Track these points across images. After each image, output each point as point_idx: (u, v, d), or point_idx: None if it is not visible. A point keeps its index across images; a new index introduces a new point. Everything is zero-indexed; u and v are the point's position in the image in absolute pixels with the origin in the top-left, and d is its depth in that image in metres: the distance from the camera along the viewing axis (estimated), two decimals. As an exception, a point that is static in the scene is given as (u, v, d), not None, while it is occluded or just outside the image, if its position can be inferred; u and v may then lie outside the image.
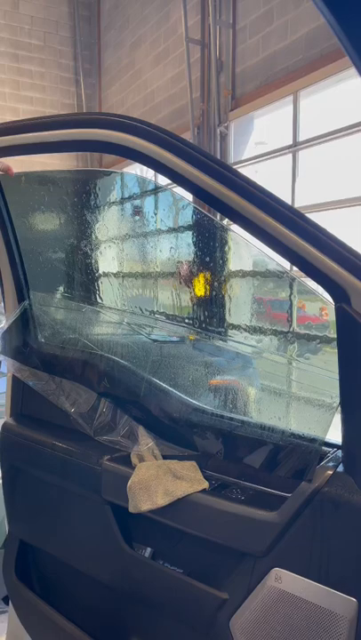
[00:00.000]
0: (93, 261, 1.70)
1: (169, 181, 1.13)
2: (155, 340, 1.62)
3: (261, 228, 1.02)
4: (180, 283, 1.55)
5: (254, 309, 1.53)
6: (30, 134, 1.22)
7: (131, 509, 1.28)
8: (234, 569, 1.17)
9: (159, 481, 1.26)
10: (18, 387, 1.72)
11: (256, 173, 6.24)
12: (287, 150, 5.69)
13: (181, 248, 1.56)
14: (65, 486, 1.51)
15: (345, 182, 5.08)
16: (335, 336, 1.02)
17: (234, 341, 1.49)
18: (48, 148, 1.23)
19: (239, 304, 1.51)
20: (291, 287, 1.43)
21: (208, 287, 1.54)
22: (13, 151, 1.25)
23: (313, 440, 1.17)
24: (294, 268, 1.08)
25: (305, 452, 1.17)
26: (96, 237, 1.69)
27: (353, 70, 4.48)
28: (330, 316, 1.05)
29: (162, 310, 1.61)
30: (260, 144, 6.52)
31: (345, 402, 1.03)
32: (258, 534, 1.11)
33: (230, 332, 1.48)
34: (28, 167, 1.59)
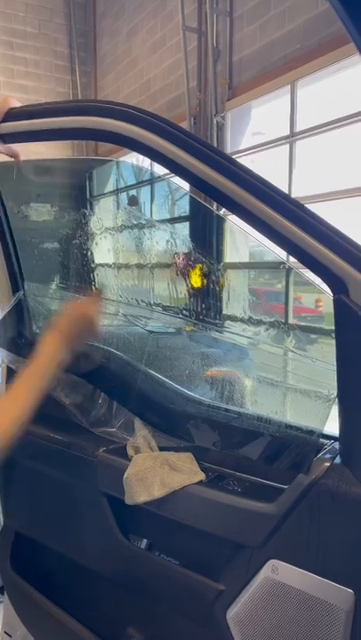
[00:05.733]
0: (89, 251, 1.68)
1: (166, 171, 1.11)
2: (151, 332, 1.61)
3: (259, 217, 1.01)
4: (177, 274, 1.54)
5: (251, 300, 1.52)
6: (31, 121, 1.19)
7: (127, 501, 1.28)
8: (230, 560, 1.17)
9: (155, 472, 1.25)
10: (12, 378, 1.71)
11: (252, 163, 6.20)
12: (284, 140, 5.66)
13: (178, 238, 1.55)
14: (61, 478, 1.50)
15: (342, 173, 5.06)
16: (331, 327, 1.02)
17: (230, 332, 1.48)
18: (40, 136, 1.20)
19: (236, 295, 1.50)
20: (288, 278, 1.42)
21: (205, 278, 1.53)
22: (19, 137, 1.22)
23: (310, 432, 1.16)
24: (292, 259, 1.07)
25: (302, 443, 1.17)
26: (92, 227, 1.68)
27: (351, 59, 4.42)
28: (324, 307, 1.04)
29: (158, 301, 1.60)
30: (257, 134, 6.48)
31: (343, 394, 1.02)
32: (255, 526, 1.11)
33: (227, 323, 1.48)
34: (23, 156, 1.57)
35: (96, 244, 1.68)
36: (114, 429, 1.49)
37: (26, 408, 1.10)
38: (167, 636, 1.37)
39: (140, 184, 6.47)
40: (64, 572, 1.60)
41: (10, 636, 1.78)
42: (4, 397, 1.17)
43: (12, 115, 1.18)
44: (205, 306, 1.51)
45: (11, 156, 1.29)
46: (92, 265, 1.70)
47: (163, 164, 1.08)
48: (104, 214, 1.73)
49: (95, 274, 1.70)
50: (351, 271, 0.96)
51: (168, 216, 6.08)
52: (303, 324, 5.10)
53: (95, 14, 9.63)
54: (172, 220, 6.15)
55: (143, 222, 1.72)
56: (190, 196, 1.52)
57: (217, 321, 1.49)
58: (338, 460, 1.06)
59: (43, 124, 1.16)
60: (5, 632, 1.79)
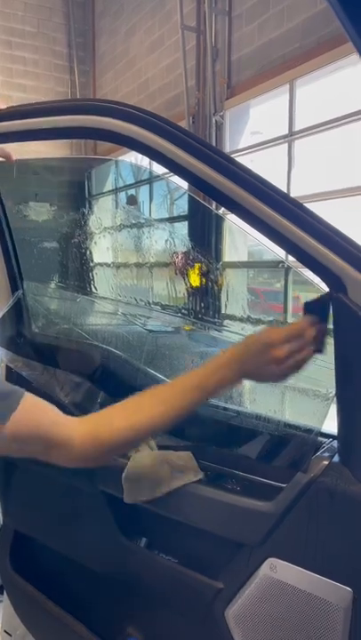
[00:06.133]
0: (88, 251, 1.68)
1: (165, 170, 1.11)
2: (150, 331, 1.61)
3: (258, 216, 1.01)
4: (176, 273, 1.54)
5: (250, 300, 1.52)
6: (27, 120, 1.19)
7: (126, 499, 1.28)
8: (229, 559, 1.18)
9: (154, 471, 1.25)
10: (11, 378, 1.71)
11: (251, 162, 6.21)
12: (283, 140, 5.66)
13: (177, 237, 1.55)
14: (59, 477, 1.51)
15: (341, 172, 5.06)
16: (329, 326, 1.02)
17: (229, 331, 1.48)
18: (41, 135, 1.20)
19: (235, 294, 1.50)
20: (287, 277, 1.43)
21: (203, 277, 1.53)
22: (11, 138, 1.22)
23: (309, 430, 1.17)
24: (290, 258, 1.07)
25: (301, 442, 1.17)
26: (90, 226, 1.68)
27: (349, 59, 4.43)
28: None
29: (157, 300, 1.61)
30: (255, 133, 6.48)
31: (341, 392, 1.02)
32: (253, 524, 1.11)
33: (225, 322, 1.48)
34: (21, 155, 1.57)
35: (95, 243, 1.69)
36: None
37: (159, 421, 0.98)
38: (166, 635, 1.37)
39: (139, 183, 6.47)
40: (63, 570, 1.61)
41: (9, 635, 1.78)
42: (152, 397, 1.02)
43: (8, 114, 1.18)
44: (204, 305, 1.51)
45: (2, 157, 1.29)
46: (91, 264, 1.70)
47: (162, 163, 1.08)
48: (103, 213, 1.73)
49: (94, 273, 1.70)
50: (350, 270, 0.96)
51: (167, 215, 6.08)
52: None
53: (94, 13, 9.63)
54: (171, 220, 6.15)
55: (142, 221, 1.72)
56: (189, 196, 1.52)
57: (216, 320, 1.49)
58: (336, 458, 1.07)
59: (42, 123, 1.16)
60: (5, 631, 1.79)
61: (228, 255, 5.81)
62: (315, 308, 1.02)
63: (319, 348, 1.01)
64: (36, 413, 0.97)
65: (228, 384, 1.03)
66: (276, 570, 1.08)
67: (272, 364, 0.98)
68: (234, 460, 1.30)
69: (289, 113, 5.58)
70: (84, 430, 0.99)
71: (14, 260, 1.66)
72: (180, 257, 1.51)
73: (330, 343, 1.02)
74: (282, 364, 0.98)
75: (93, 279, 1.70)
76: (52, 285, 1.81)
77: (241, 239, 5.16)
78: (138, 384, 1.56)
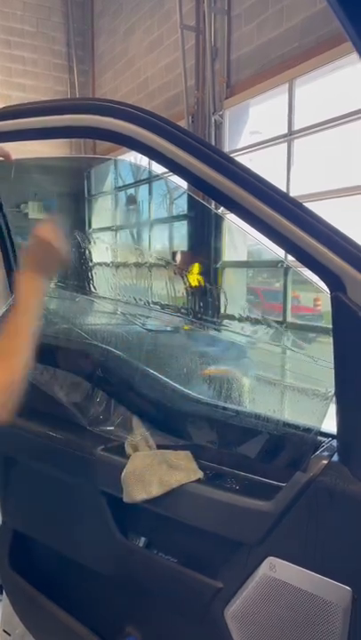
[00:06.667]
0: (87, 250, 1.68)
1: (165, 169, 1.11)
2: (149, 330, 1.61)
3: (257, 216, 1.01)
4: (175, 272, 1.54)
5: (249, 299, 1.52)
6: (27, 120, 1.19)
7: (125, 499, 1.28)
8: (228, 558, 1.18)
9: (154, 471, 1.25)
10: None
11: (250, 162, 6.21)
12: (282, 139, 5.66)
13: (176, 237, 1.55)
14: (59, 476, 1.50)
15: (340, 171, 5.06)
16: (329, 326, 1.02)
17: (228, 331, 1.48)
18: (41, 135, 1.20)
19: (234, 293, 1.50)
20: (286, 277, 1.43)
21: (203, 277, 1.53)
22: (9, 137, 1.22)
23: (308, 430, 1.17)
24: (290, 258, 1.07)
25: (300, 441, 1.17)
26: (90, 225, 1.67)
27: (349, 58, 4.41)
28: (323, 306, 1.04)
29: (156, 300, 1.61)
30: (255, 133, 6.48)
31: (340, 391, 1.02)
32: (253, 524, 1.11)
33: (225, 321, 1.48)
34: (21, 155, 1.57)
35: (94, 242, 1.68)
36: (112, 428, 1.49)
37: (25, 351, 1.06)
38: (165, 634, 1.37)
39: (138, 183, 6.47)
40: (62, 570, 1.61)
41: (9, 635, 1.78)
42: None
43: (7, 113, 1.18)
44: (203, 304, 1.51)
45: (1, 156, 1.29)
46: (91, 263, 1.70)
47: (162, 162, 1.08)
48: (102, 212, 1.73)
49: (93, 272, 1.70)
50: (349, 269, 0.96)
51: (166, 215, 6.08)
52: (301, 322, 5.11)
53: (93, 13, 9.61)
54: (171, 219, 6.15)
55: (141, 221, 1.72)
56: (189, 195, 1.52)
57: (215, 319, 1.49)
58: (335, 457, 1.07)
59: (42, 122, 1.16)
60: (4, 630, 1.79)
61: (228, 255, 5.81)
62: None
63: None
64: None
65: (38, 287, 1.15)
66: (276, 569, 1.08)
67: (51, 251, 1.16)
68: (233, 460, 1.30)
69: (288, 112, 5.57)
70: None
71: (13, 258, 1.66)
72: (179, 256, 1.51)
73: (329, 342, 1.02)
74: (57, 248, 1.16)
75: (92, 278, 1.70)
76: (51, 285, 1.81)
77: (240, 239, 5.16)
78: (137, 383, 1.56)
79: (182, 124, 6.59)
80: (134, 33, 8.21)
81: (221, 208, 1.15)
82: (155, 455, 1.30)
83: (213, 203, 1.16)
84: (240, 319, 1.42)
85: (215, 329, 1.50)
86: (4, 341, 1.08)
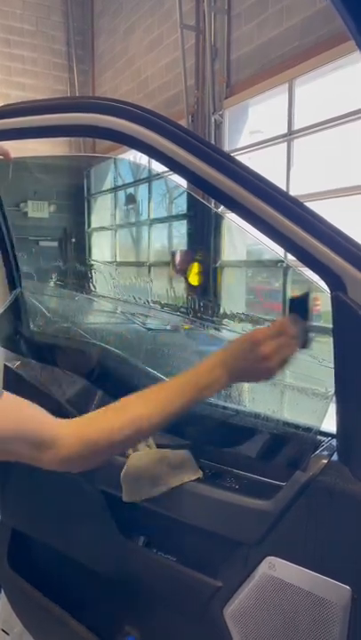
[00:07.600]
0: (86, 249, 1.68)
1: (164, 168, 1.10)
2: (148, 329, 1.61)
3: (257, 215, 1.01)
4: (175, 272, 1.54)
5: (249, 298, 1.52)
6: (27, 118, 1.18)
7: (124, 498, 1.28)
8: (228, 557, 1.18)
9: (153, 470, 1.25)
10: (10, 376, 1.71)
11: (249, 160, 6.20)
12: (282, 139, 5.66)
13: (176, 236, 1.55)
14: (58, 475, 1.50)
15: (340, 171, 5.06)
16: (329, 325, 1.02)
17: (228, 330, 1.48)
18: (41, 133, 1.20)
19: (234, 293, 1.50)
20: (286, 276, 1.43)
21: (202, 276, 1.52)
22: (9, 135, 1.21)
23: (308, 429, 1.17)
24: (290, 257, 1.07)
25: (300, 441, 1.17)
26: (89, 224, 1.67)
27: (349, 58, 4.43)
28: (322, 307, 1.04)
29: (155, 299, 1.61)
30: (254, 132, 6.48)
31: (340, 391, 1.02)
32: (252, 523, 1.11)
33: (224, 320, 1.48)
34: (20, 153, 1.57)
35: (94, 241, 1.68)
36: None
37: (152, 426, 0.98)
38: (164, 633, 1.37)
39: (138, 182, 6.46)
40: (61, 569, 1.61)
41: (7, 634, 1.78)
42: (138, 398, 1.00)
43: (7, 111, 1.18)
44: (203, 303, 1.51)
45: (1, 155, 1.28)
46: (90, 262, 1.70)
47: (161, 161, 1.08)
48: (102, 212, 1.73)
49: (93, 271, 1.70)
50: (349, 269, 0.96)
51: (166, 214, 6.08)
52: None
53: (93, 12, 9.61)
54: (171, 218, 6.14)
55: (141, 220, 1.72)
56: (188, 194, 1.52)
57: (214, 318, 1.49)
58: (335, 457, 1.07)
59: (42, 120, 1.15)
60: (2, 629, 1.79)
61: (227, 254, 5.81)
62: (298, 305, 1.06)
63: (304, 344, 1.04)
64: (16, 412, 0.96)
65: (219, 385, 1.03)
66: (275, 568, 1.08)
67: (260, 361, 1.00)
68: (233, 459, 1.30)
69: (288, 112, 5.58)
70: (70, 430, 0.98)
71: (12, 257, 1.66)
72: (178, 256, 1.51)
73: (326, 342, 1.02)
74: (269, 361, 1.00)
75: (92, 277, 1.70)
76: (51, 284, 1.81)
77: (240, 238, 5.16)
78: (136, 383, 1.55)
79: (182, 123, 6.59)
80: (134, 32, 8.21)
81: (221, 207, 1.15)
82: (154, 454, 1.30)
83: (213, 202, 1.16)
84: (240, 318, 1.42)
85: (215, 328, 1.50)
86: (139, 398, 0.99)
